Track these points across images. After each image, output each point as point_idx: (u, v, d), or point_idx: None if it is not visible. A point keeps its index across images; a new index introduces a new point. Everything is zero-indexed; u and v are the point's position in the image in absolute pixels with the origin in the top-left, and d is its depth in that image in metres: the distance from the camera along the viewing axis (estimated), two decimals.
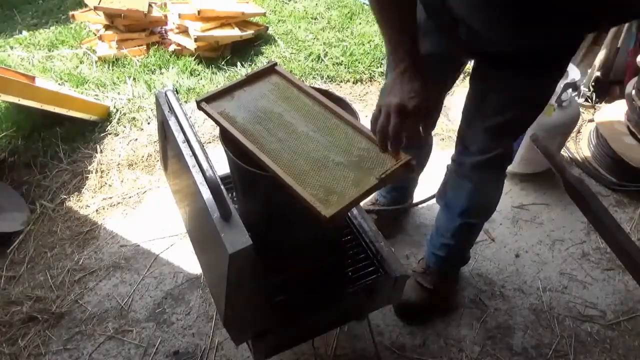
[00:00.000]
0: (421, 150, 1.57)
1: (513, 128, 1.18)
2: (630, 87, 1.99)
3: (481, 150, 1.20)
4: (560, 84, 1.73)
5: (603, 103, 2.42)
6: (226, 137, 0.97)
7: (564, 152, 2.17)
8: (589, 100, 2.43)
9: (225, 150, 0.96)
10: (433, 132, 1.85)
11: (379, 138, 0.88)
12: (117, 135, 2.25)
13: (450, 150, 1.35)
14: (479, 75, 1.15)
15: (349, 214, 1.29)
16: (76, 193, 1.99)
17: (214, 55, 2.76)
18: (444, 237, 1.46)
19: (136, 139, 2.23)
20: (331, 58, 2.79)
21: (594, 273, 1.72)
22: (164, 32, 2.89)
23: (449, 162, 1.35)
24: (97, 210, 1.92)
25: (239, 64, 2.72)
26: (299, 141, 0.94)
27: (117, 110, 2.35)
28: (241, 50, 2.84)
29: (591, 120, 2.30)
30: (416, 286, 1.55)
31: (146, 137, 2.24)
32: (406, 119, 0.86)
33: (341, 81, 2.65)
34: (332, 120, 0.97)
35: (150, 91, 2.48)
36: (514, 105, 1.10)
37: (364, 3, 3.35)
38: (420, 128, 0.91)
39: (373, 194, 1.83)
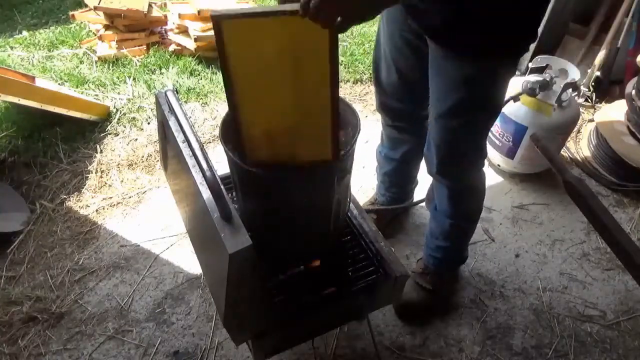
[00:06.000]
0: (421, 140, 1.57)
1: (461, 114, 1.10)
2: (630, 87, 1.99)
3: (439, 155, 1.19)
4: (560, 84, 1.73)
5: (603, 103, 2.42)
6: (226, 137, 0.97)
7: (564, 152, 2.17)
8: (589, 100, 2.42)
9: (225, 150, 0.95)
10: None
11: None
12: (117, 135, 2.25)
13: None
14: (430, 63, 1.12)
15: (348, 214, 1.29)
16: (76, 193, 1.99)
17: (214, 55, 2.75)
18: (437, 239, 1.46)
19: (136, 139, 2.23)
20: None
21: (594, 273, 1.72)
22: (164, 32, 2.89)
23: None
24: (97, 210, 1.92)
25: None
26: None
27: (117, 110, 2.35)
28: None
29: (591, 120, 2.30)
30: (416, 286, 1.55)
31: (146, 137, 2.24)
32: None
33: (341, 81, 2.65)
34: None
35: (150, 91, 2.48)
36: (457, 89, 1.06)
37: None
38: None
39: (372, 194, 1.83)
